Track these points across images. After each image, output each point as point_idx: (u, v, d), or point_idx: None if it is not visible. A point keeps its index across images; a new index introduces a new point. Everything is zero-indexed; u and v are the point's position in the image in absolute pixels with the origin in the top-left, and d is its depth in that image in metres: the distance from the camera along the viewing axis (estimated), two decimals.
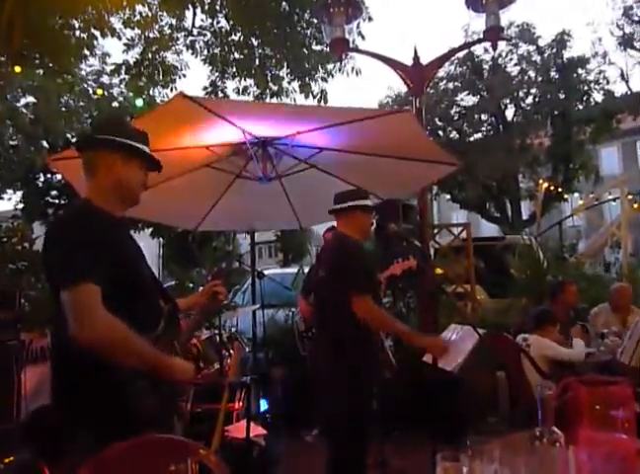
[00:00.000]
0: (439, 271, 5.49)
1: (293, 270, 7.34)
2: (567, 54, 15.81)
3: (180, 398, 1.81)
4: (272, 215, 4.95)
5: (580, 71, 15.81)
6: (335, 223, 3.03)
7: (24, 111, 13.62)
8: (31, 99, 13.48)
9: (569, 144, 15.88)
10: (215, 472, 1.52)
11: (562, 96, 15.82)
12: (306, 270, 5.53)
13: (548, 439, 1.11)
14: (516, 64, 16.33)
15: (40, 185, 13.97)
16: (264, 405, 4.22)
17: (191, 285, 6.79)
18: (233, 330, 4.37)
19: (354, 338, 2.61)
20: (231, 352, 3.71)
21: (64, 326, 1.45)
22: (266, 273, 6.80)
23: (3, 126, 13.87)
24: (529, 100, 16.62)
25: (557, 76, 15.92)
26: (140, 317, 1.63)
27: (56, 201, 14.02)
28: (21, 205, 14.81)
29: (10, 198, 15.74)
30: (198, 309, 2.11)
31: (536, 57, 16.12)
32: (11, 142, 14.14)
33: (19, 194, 15.03)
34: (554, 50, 15.80)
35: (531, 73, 16.20)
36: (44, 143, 13.84)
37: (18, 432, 2.80)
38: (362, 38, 7.95)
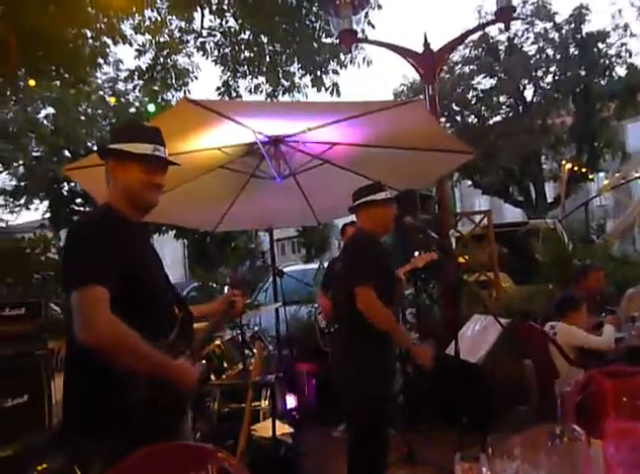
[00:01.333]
0: (461, 259, 5.42)
1: (315, 265, 7.33)
2: (586, 29, 15.32)
3: (188, 401, 1.79)
4: (289, 212, 4.96)
5: (600, 46, 15.30)
6: (354, 217, 3.02)
7: (44, 122, 13.93)
8: (50, 110, 13.77)
9: (592, 122, 15.43)
10: None
11: (583, 72, 15.36)
12: (326, 265, 5.51)
13: (569, 437, 1.07)
14: (533, 43, 15.90)
15: (65, 194, 14.25)
16: (290, 402, 4.24)
17: (214, 285, 6.84)
18: (256, 329, 4.39)
19: (366, 331, 2.59)
20: (254, 351, 3.72)
21: (73, 330, 1.46)
22: (287, 269, 6.84)
23: (25, 138, 14.20)
24: (549, 79, 16.18)
25: (577, 52, 15.44)
26: (153, 323, 1.63)
27: (81, 209, 14.29)
28: (47, 215, 15.16)
29: (37, 209, 16.15)
30: (213, 318, 2.10)
31: (554, 34, 15.67)
32: (34, 153, 14.47)
33: (45, 203, 15.39)
34: (572, 26, 15.32)
35: (549, 51, 15.75)
36: (66, 152, 14.11)
37: (50, 439, 2.87)
38: (372, 27, 7.84)
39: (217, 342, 3.69)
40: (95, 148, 11.68)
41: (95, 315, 1.44)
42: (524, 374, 3.95)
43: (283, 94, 8.29)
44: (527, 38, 15.90)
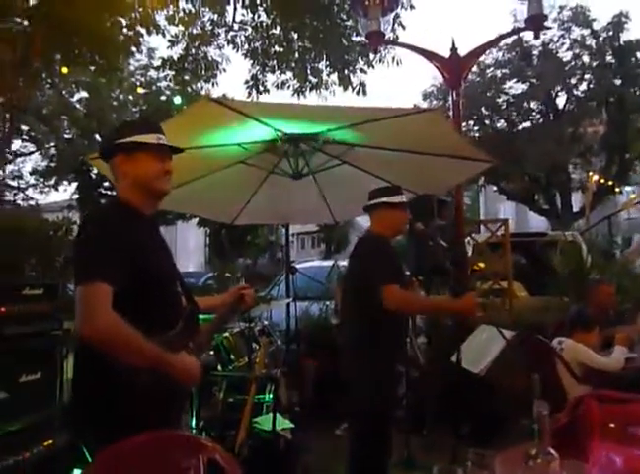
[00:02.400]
0: (475, 267, 5.40)
1: (331, 262, 7.36)
2: (624, 37, 14.94)
3: (186, 394, 1.85)
4: (306, 210, 4.99)
5: (639, 55, 14.92)
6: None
7: (77, 105, 14.25)
8: (84, 94, 14.07)
9: (625, 133, 15.05)
10: (227, 470, 1.56)
11: (618, 81, 14.99)
12: (341, 263, 5.54)
13: (543, 459, 1.09)
14: (568, 49, 15.57)
15: (93, 177, 14.56)
16: (294, 397, 4.29)
17: (229, 276, 6.96)
18: (265, 323, 4.45)
19: (375, 334, 2.63)
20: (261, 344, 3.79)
21: None
22: (303, 265, 6.90)
23: (59, 121, 14.56)
24: (583, 86, 15.82)
25: (613, 61, 15.08)
26: (159, 315, 1.68)
27: (108, 192, 14.61)
28: (75, 196, 15.54)
29: (65, 190, 16.56)
30: (221, 310, 2.12)
31: (591, 41, 15.31)
32: (65, 136, 14.82)
33: (74, 185, 15.78)
34: (610, 33, 14.93)
35: (585, 58, 15.40)
36: (97, 136, 14.41)
37: (59, 416, 2.98)
38: (403, 27, 7.82)
39: (226, 333, 3.78)
40: None
41: (94, 312, 1.50)
42: (530, 388, 3.92)
43: (310, 91, 8.31)
44: (563, 43, 15.56)
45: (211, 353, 3.69)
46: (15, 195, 16.40)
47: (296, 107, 4.17)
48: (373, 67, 8.09)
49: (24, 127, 14.69)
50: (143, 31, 7.92)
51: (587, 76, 15.58)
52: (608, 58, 15.12)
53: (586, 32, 15.30)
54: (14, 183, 16.66)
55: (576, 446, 1.46)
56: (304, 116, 3.51)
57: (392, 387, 2.84)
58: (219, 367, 3.69)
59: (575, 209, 16.41)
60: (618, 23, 14.82)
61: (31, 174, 16.94)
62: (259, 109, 3.53)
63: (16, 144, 15.48)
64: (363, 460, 2.68)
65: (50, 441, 2.81)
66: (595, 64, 15.17)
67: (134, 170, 1.74)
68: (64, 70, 6.78)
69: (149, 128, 1.78)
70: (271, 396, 3.57)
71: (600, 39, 15.12)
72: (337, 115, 3.48)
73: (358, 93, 7.90)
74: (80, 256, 1.63)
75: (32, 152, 16.67)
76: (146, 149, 1.74)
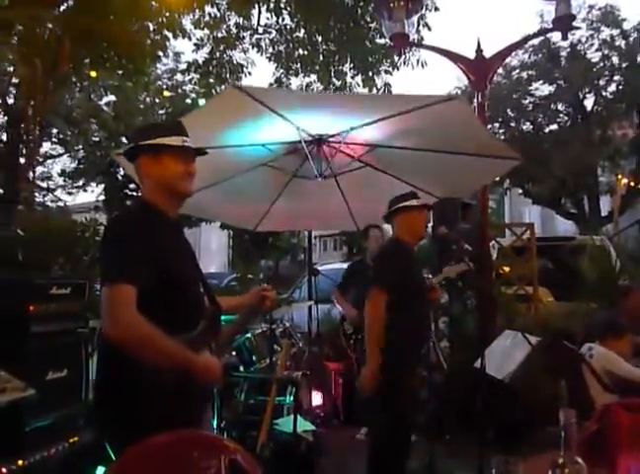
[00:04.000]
0: (501, 271, 5.31)
1: None
2: None
3: (209, 394, 1.86)
4: (328, 216, 4.96)
5: None
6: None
7: (105, 108, 14.54)
8: (112, 97, 14.35)
9: None
10: (248, 470, 1.56)
11: None
12: (347, 266, 5.36)
13: (570, 469, 1.06)
14: (597, 50, 15.22)
15: (120, 178, 14.82)
16: (316, 400, 4.29)
17: (251, 277, 7.00)
18: (287, 325, 4.46)
19: (392, 340, 2.62)
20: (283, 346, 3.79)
21: None
22: (325, 267, 6.89)
23: (87, 124, 14.88)
24: (612, 88, 15.45)
25: None
26: (182, 316, 1.70)
27: (134, 194, 14.84)
28: (102, 197, 15.84)
29: (93, 191, 16.91)
30: (243, 311, 2.13)
31: (620, 42, 14.94)
32: (93, 138, 15.14)
33: (101, 187, 16.09)
34: None
35: (615, 59, 15.04)
36: (123, 139, 14.67)
37: (84, 414, 3.04)
38: (429, 28, 7.80)
39: (249, 335, 3.79)
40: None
41: (120, 314, 1.52)
42: (556, 395, 3.84)
43: (334, 92, 8.33)
44: (592, 44, 15.22)
45: (234, 353, 3.71)
46: (44, 196, 16.82)
47: (322, 98, 4.12)
48: (398, 69, 8.09)
49: (53, 130, 15.06)
50: (169, 35, 8.07)
51: (616, 77, 15.21)
52: (639, 59, 14.74)
53: (615, 32, 14.94)
54: (43, 184, 17.09)
55: (603, 456, 1.42)
56: (329, 110, 3.46)
57: (410, 388, 2.81)
58: (241, 368, 3.71)
59: (603, 213, 16.02)
60: None
61: (59, 175, 17.37)
62: (282, 99, 3.48)
63: (45, 146, 15.89)
64: (382, 464, 2.66)
65: (75, 438, 2.86)
66: (624, 65, 14.80)
67: (158, 171, 1.76)
68: (93, 74, 6.94)
69: (174, 130, 1.80)
70: (292, 398, 3.57)
71: (631, 39, 14.75)
72: (360, 107, 3.43)
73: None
74: (106, 257, 1.65)
75: (61, 154, 17.08)
76: (171, 151, 1.76)
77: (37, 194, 16.00)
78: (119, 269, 1.56)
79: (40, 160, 16.20)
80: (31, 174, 7.85)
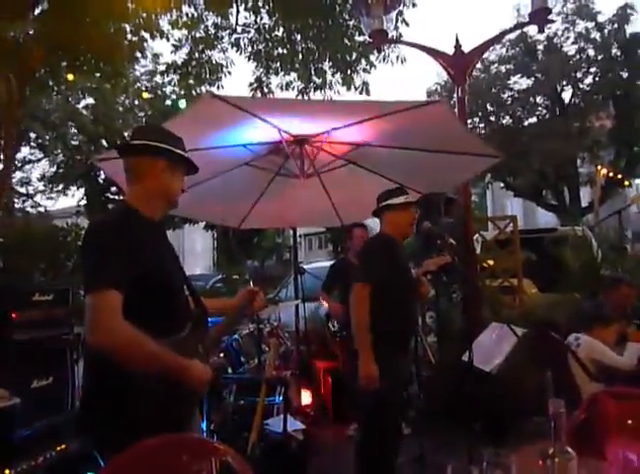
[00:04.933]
0: (485, 264, 5.36)
1: None
2: (630, 29, 14.81)
3: (198, 399, 1.84)
4: (313, 212, 4.97)
5: None
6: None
7: (84, 112, 14.33)
8: (90, 100, 14.15)
9: (633, 126, 14.91)
10: (239, 472, 1.56)
11: (625, 74, 14.87)
12: (331, 265, 5.36)
13: (560, 458, 1.07)
14: (573, 43, 15.46)
15: (101, 182, 14.63)
16: (306, 398, 4.29)
17: (237, 278, 6.97)
18: (275, 324, 4.45)
19: (380, 335, 2.63)
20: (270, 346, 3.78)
21: None
22: (310, 266, 6.88)
23: (66, 127, 14.65)
24: (589, 80, 15.70)
25: (619, 53, 14.95)
26: (168, 319, 1.68)
27: (116, 197, 14.67)
28: (83, 202, 15.63)
29: (73, 195, 16.66)
30: (230, 313, 2.11)
31: (595, 34, 15.19)
32: (72, 142, 14.91)
33: (81, 191, 15.86)
34: (615, 26, 14.80)
35: (591, 52, 15.28)
36: (103, 142, 14.48)
37: (70, 421, 3.00)
38: (407, 24, 7.80)
39: (236, 336, 3.78)
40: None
41: (105, 321, 1.49)
42: (543, 385, 3.89)
43: (315, 91, 8.32)
44: (567, 37, 15.46)
45: (221, 355, 3.69)
46: (24, 201, 16.53)
47: (302, 103, 4.15)
48: (375, 67, 8.09)
49: (32, 134, 14.81)
50: (147, 36, 7.97)
51: (592, 70, 15.46)
52: (614, 51, 14.99)
53: (590, 25, 15.18)
54: (23, 190, 16.80)
55: (592, 444, 1.43)
56: (309, 114, 3.49)
57: (402, 389, 2.83)
58: (229, 370, 3.69)
59: (583, 204, 16.29)
60: (623, 15, 14.69)
61: (39, 180, 17.08)
62: (264, 107, 3.51)
63: (24, 151, 15.62)
64: (371, 459, 2.68)
65: (63, 446, 2.82)
66: (600, 57, 15.05)
67: (168, 182, 1.77)
68: (70, 77, 6.82)
69: (181, 145, 1.83)
70: (281, 398, 3.56)
71: (605, 31, 14.99)
72: (341, 111, 3.46)
73: (361, 93, 7.90)
74: (88, 263, 1.62)
75: (39, 159, 16.78)
76: (184, 165, 1.82)
77: (16, 199, 15.75)
78: (102, 274, 1.53)
79: (19, 165, 15.93)
80: (9, 180, 7.70)
